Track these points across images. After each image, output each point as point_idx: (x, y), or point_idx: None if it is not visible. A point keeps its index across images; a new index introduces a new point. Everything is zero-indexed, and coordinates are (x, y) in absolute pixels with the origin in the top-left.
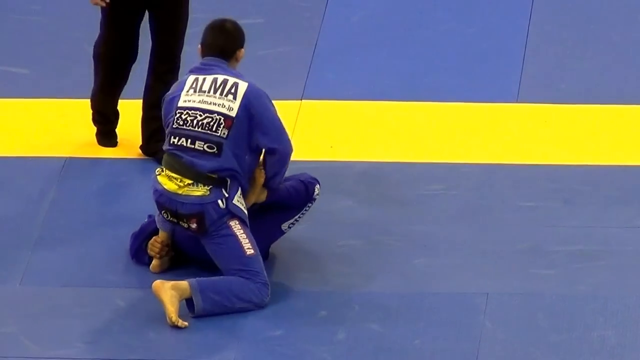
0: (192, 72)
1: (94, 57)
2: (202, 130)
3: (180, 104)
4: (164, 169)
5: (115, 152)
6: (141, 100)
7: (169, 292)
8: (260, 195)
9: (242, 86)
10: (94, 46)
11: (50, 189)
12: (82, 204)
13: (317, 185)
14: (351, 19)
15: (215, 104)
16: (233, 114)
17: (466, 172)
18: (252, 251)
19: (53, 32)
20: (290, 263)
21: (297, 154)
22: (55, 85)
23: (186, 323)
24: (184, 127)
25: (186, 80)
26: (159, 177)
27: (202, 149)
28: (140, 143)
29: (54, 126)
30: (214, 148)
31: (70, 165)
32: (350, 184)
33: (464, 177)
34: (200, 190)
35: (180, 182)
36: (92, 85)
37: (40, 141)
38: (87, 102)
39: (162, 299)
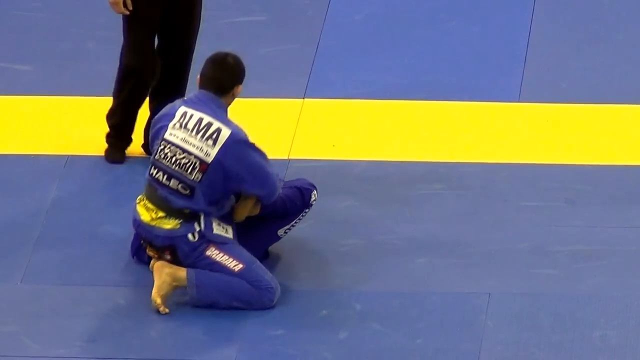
0: (185, 103)
1: (120, 71)
2: (179, 170)
3: (166, 136)
4: (144, 197)
5: None
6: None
7: (164, 276)
8: (253, 209)
9: (224, 133)
10: (120, 60)
11: (51, 187)
12: (83, 202)
13: (314, 192)
14: (354, 17)
15: (194, 145)
16: (209, 159)
17: (468, 171)
18: (240, 265)
19: (55, 29)
20: (291, 262)
21: (299, 153)
22: (57, 83)
23: (167, 310)
24: (164, 161)
25: (176, 110)
26: (137, 207)
27: (176, 187)
28: (142, 142)
29: (55, 124)
30: (187, 189)
31: (72, 164)
32: (352, 183)
33: (466, 176)
34: (170, 224)
35: (154, 213)
36: (112, 98)
37: (42, 139)
38: (89, 100)
39: (155, 280)
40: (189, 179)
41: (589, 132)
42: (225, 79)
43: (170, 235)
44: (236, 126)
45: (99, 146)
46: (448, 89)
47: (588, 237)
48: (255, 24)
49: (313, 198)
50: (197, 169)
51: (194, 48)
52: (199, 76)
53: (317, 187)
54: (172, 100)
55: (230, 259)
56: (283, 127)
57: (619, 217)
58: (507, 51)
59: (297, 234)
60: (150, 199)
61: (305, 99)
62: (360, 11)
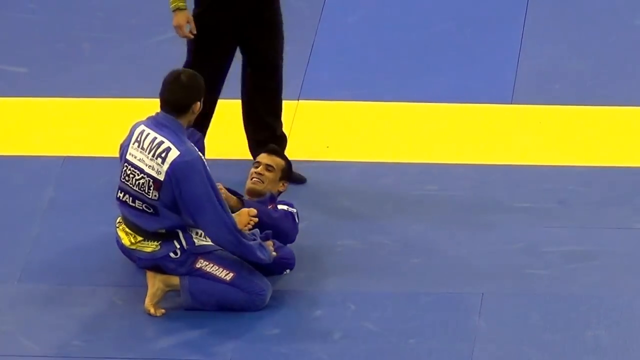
0: (144, 123)
1: None
2: (139, 190)
3: (127, 156)
4: (122, 221)
5: (112, 151)
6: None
7: (157, 283)
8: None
9: (173, 153)
10: None
11: (48, 187)
12: (80, 202)
13: (287, 271)
14: (348, 19)
15: (147, 165)
16: (161, 177)
17: (461, 172)
18: (231, 274)
19: (50, 31)
20: None
21: (294, 154)
22: (53, 84)
23: (162, 311)
24: (127, 183)
25: (135, 130)
26: (118, 230)
27: (141, 208)
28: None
29: (52, 125)
30: (150, 209)
31: (69, 164)
32: (346, 184)
33: (459, 177)
34: (150, 247)
35: (133, 237)
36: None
37: (38, 140)
38: (85, 101)
39: (148, 288)
40: (149, 198)
41: (581, 134)
42: (181, 99)
43: (152, 257)
44: (189, 149)
45: (94, 147)
46: (441, 91)
47: (580, 238)
48: None
49: (285, 272)
50: (152, 188)
51: (281, 64)
52: (159, 97)
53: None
54: (271, 116)
55: (220, 269)
56: None
57: (611, 218)
58: (499, 53)
59: None
60: (125, 222)
61: (299, 101)
62: (355, 13)
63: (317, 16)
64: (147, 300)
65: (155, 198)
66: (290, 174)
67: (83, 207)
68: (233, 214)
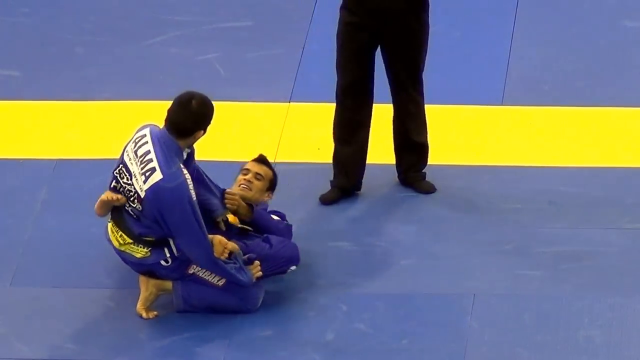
0: (150, 128)
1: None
2: (126, 195)
3: (124, 155)
4: (111, 217)
5: (104, 154)
6: None
7: (150, 287)
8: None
9: (156, 176)
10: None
11: (41, 190)
12: (72, 205)
13: (292, 267)
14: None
15: (135, 177)
16: (142, 195)
17: (452, 173)
18: (223, 280)
19: (43, 34)
20: None
21: (285, 156)
22: (46, 88)
23: (155, 313)
24: (120, 183)
25: (139, 131)
26: (108, 224)
27: (128, 210)
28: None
29: (44, 128)
30: (133, 215)
31: (61, 167)
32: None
33: (450, 178)
34: (140, 252)
35: (120, 238)
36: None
37: (30, 143)
38: (77, 104)
39: (141, 292)
40: (133, 207)
41: (571, 134)
42: (186, 124)
43: (143, 263)
44: (173, 174)
45: (87, 150)
46: (432, 92)
47: (571, 238)
48: (241, 29)
49: (290, 269)
50: (137, 200)
51: (421, 66)
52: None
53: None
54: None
55: (212, 274)
56: (269, 130)
57: (602, 219)
58: (490, 55)
59: None
60: (115, 220)
61: (290, 103)
62: None
63: (308, 19)
64: (139, 304)
65: (139, 209)
66: (275, 185)
67: (75, 210)
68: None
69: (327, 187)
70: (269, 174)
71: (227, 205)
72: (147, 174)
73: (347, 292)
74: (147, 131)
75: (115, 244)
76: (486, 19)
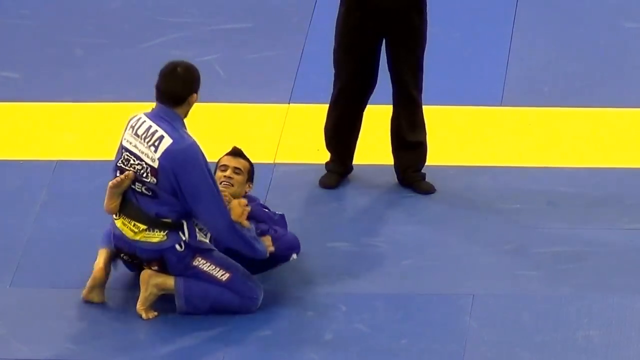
0: (145, 114)
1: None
2: (138, 174)
3: (123, 143)
4: (119, 214)
5: (104, 155)
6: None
7: (150, 288)
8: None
9: (166, 142)
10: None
11: (40, 191)
12: (72, 206)
13: (293, 256)
14: None
15: (142, 152)
16: (155, 165)
17: (451, 174)
18: (227, 274)
19: (43, 36)
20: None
21: (285, 157)
22: (45, 89)
23: (155, 313)
24: (125, 166)
25: (132, 118)
26: (116, 221)
27: (140, 190)
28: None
29: (44, 130)
30: (150, 192)
31: (61, 168)
32: (336, 187)
33: (450, 179)
34: (157, 237)
35: (134, 227)
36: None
37: (30, 145)
38: (77, 106)
39: (141, 292)
40: (147, 182)
41: (570, 135)
42: (177, 90)
43: (159, 248)
44: (182, 136)
45: (87, 151)
46: (431, 93)
47: (570, 238)
48: (241, 30)
49: (292, 259)
50: (149, 174)
51: (422, 64)
52: (155, 88)
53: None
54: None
55: (217, 268)
56: (269, 131)
57: (601, 219)
58: (489, 56)
59: None
60: (125, 210)
61: (290, 104)
62: None
63: (307, 20)
64: (139, 304)
65: (154, 183)
66: (254, 175)
67: (75, 211)
68: None
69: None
70: (247, 166)
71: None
72: (157, 143)
73: (346, 292)
74: (140, 114)
75: (130, 234)
76: (485, 20)
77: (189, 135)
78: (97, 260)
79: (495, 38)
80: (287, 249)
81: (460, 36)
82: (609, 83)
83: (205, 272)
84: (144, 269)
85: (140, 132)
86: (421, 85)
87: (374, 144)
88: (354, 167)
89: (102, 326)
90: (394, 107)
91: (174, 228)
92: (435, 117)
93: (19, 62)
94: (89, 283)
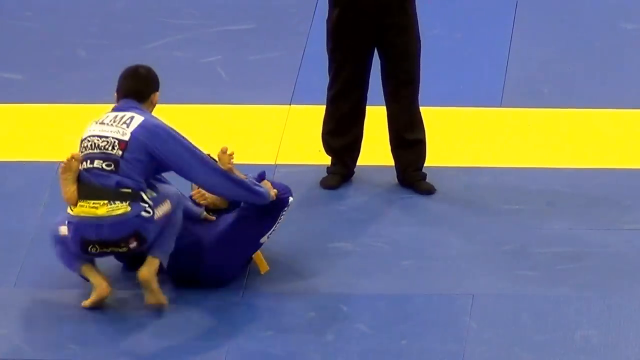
0: (112, 110)
1: (328, 100)
2: (100, 151)
3: (84, 135)
4: (77, 203)
5: None
6: None
7: (155, 278)
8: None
9: (138, 118)
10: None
11: (43, 192)
12: None
13: (290, 198)
14: None
15: (111, 131)
16: (126, 138)
17: (451, 175)
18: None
19: (46, 38)
20: (280, 265)
21: (286, 158)
22: (49, 90)
23: (166, 301)
24: (85, 152)
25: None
26: (73, 212)
27: (100, 167)
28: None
29: (47, 131)
30: (111, 165)
31: None
32: (337, 187)
33: (449, 180)
34: (121, 208)
35: (93, 205)
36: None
37: (33, 146)
38: (80, 107)
39: (153, 287)
40: (112, 155)
41: (569, 136)
42: (140, 89)
43: (126, 219)
44: (153, 117)
45: None
46: (431, 95)
47: (569, 239)
48: (242, 32)
49: (290, 201)
50: (116, 147)
51: (417, 70)
52: (115, 93)
53: (292, 191)
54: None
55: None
56: (270, 133)
57: (599, 219)
58: (489, 57)
59: (285, 236)
60: (84, 193)
61: (291, 106)
62: None
63: (308, 22)
64: (160, 297)
65: (119, 155)
66: None
67: None
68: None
69: (325, 189)
70: None
71: (200, 202)
72: (128, 121)
73: (347, 292)
74: (107, 112)
75: (92, 213)
76: (485, 21)
77: (159, 119)
78: (93, 279)
79: (495, 39)
80: (283, 192)
81: (460, 37)
82: (608, 84)
83: (162, 215)
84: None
85: (107, 120)
86: (419, 82)
87: (373, 144)
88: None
89: (106, 327)
90: (389, 106)
91: (134, 198)
92: (435, 118)
93: (23, 64)
94: (94, 298)
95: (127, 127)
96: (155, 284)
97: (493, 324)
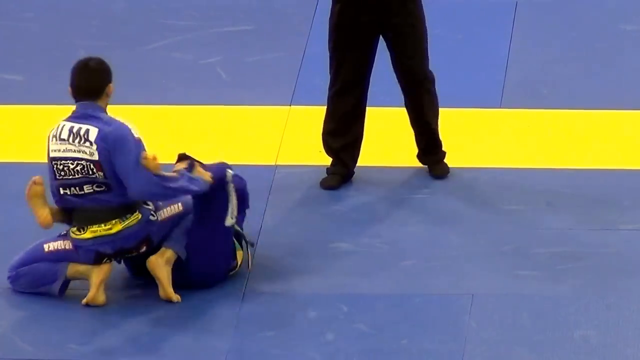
0: (66, 119)
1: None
2: (81, 176)
3: (51, 154)
4: (83, 227)
5: None
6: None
7: (165, 268)
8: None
9: (93, 131)
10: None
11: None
12: None
13: (228, 171)
14: None
15: (77, 151)
16: (96, 157)
17: (451, 175)
18: (179, 205)
19: (46, 39)
20: (281, 265)
21: (286, 159)
22: (49, 92)
23: (179, 297)
24: (65, 177)
25: (53, 128)
26: (83, 236)
27: (92, 190)
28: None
29: (47, 132)
30: (102, 187)
31: None
32: (337, 188)
33: (450, 180)
34: (134, 219)
35: (106, 226)
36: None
37: (33, 147)
38: None
39: (159, 276)
40: (95, 178)
41: (568, 137)
42: (93, 83)
43: (139, 228)
44: (108, 121)
45: None
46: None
47: (568, 239)
48: (242, 33)
49: (228, 176)
50: (94, 170)
51: (424, 62)
52: (69, 87)
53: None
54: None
55: (172, 207)
56: (270, 133)
57: (599, 220)
58: (489, 58)
59: (286, 236)
60: (84, 221)
61: (291, 106)
62: None
63: (308, 21)
64: (165, 290)
65: (102, 176)
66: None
67: None
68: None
69: (326, 190)
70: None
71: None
72: (85, 135)
73: (347, 292)
74: (62, 122)
75: (110, 233)
76: (485, 22)
77: (116, 119)
78: (84, 270)
79: (495, 41)
80: (217, 171)
81: (459, 39)
82: (607, 85)
83: (170, 216)
84: (130, 259)
85: (64, 135)
86: (431, 74)
87: (374, 144)
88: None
89: (105, 326)
90: (410, 103)
91: (138, 205)
92: None
93: (23, 65)
94: (92, 290)
95: (90, 144)
96: (162, 273)
97: (493, 323)
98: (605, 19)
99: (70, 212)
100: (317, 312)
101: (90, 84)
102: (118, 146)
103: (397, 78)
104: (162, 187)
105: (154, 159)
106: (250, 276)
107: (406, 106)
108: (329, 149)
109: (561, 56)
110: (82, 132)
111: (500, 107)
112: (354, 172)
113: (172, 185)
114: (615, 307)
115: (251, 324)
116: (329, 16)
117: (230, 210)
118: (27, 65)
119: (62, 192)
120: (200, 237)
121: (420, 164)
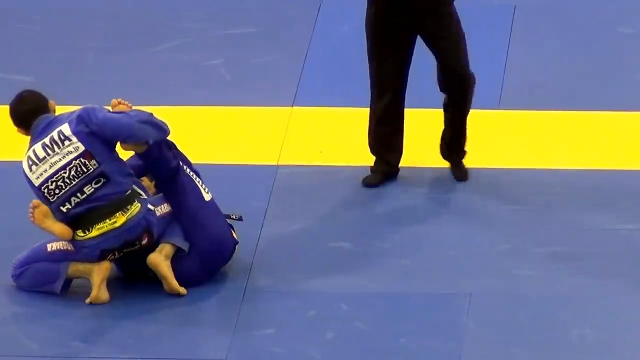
0: (32, 145)
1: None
2: (78, 181)
3: (37, 182)
4: (89, 228)
5: None
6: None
7: (165, 263)
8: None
9: (65, 128)
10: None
11: None
12: None
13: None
14: (341, 28)
15: (64, 156)
16: (82, 148)
17: (449, 176)
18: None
19: (54, 40)
20: (281, 264)
21: (288, 159)
22: (56, 93)
23: (185, 290)
24: (61, 193)
25: (23, 163)
26: (89, 235)
27: (92, 189)
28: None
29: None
30: (100, 180)
31: None
32: (338, 188)
33: (448, 180)
34: (135, 208)
35: (111, 220)
36: None
37: None
38: None
39: (162, 272)
40: (92, 172)
41: (566, 138)
42: (37, 102)
43: (144, 218)
44: (69, 115)
45: None
46: (430, 97)
47: (566, 239)
48: (245, 35)
49: (172, 163)
50: (87, 162)
51: (464, 62)
52: (17, 127)
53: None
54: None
55: (164, 204)
56: (272, 134)
57: (596, 220)
58: (487, 59)
59: (286, 236)
60: (96, 219)
61: (293, 107)
62: (348, 22)
63: (311, 24)
64: (170, 284)
65: (97, 166)
66: None
67: None
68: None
69: (328, 189)
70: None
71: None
72: (62, 137)
73: (347, 291)
74: (27, 154)
75: (115, 226)
76: (484, 24)
77: (76, 111)
78: (84, 268)
79: (493, 43)
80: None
81: None
82: (604, 87)
83: (165, 213)
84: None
85: (41, 155)
86: (472, 74)
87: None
88: (349, 169)
89: (109, 323)
90: (448, 96)
91: (136, 195)
92: (434, 119)
93: (30, 66)
94: (95, 285)
95: (69, 140)
96: (164, 269)
97: (490, 323)
98: (603, 21)
99: (77, 222)
100: (317, 311)
101: (34, 104)
102: (88, 116)
103: (437, 78)
104: (142, 113)
105: (120, 102)
106: (251, 275)
107: (444, 105)
108: (373, 146)
109: (559, 58)
110: (56, 137)
111: (498, 109)
112: (398, 170)
113: (145, 114)
114: (613, 307)
115: (251, 322)
116: (364, 20)
117: (200, 184)
118: (34, 66)
119: (64, 209)
120: (192, 223)
121: (415, 164)
